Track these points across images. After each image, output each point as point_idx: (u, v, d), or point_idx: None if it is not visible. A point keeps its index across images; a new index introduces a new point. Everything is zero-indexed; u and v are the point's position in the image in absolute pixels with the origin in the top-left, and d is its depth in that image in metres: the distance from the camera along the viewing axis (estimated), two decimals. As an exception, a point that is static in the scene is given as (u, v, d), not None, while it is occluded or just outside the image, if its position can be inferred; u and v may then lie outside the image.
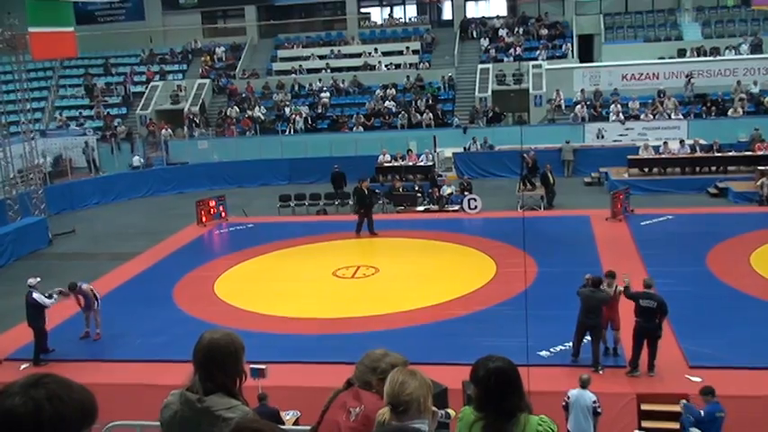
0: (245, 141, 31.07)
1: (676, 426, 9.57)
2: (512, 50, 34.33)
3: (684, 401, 9.44)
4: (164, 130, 32.08)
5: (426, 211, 22.71)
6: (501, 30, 36.19)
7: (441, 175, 25.60)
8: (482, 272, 16.27)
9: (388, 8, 40.30)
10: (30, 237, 21.14)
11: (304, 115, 32.33)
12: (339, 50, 37.33)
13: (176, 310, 14.99)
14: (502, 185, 25.20)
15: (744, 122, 27.38)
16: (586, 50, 35.21)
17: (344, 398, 3.30)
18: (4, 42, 22.41)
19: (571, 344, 11.50)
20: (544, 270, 15.67)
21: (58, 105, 37.14)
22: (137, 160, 30.34)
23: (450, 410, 7.40)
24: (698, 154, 24.96)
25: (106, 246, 21.20)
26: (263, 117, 33.15)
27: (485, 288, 15.30)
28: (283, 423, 9.35)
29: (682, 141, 25.69)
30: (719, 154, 24.67)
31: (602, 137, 28.62)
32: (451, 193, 23.14)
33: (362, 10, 40.03)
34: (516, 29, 35.91)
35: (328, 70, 35.96)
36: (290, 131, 31.79)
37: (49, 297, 12.86)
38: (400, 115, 31.66)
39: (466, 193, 22.83)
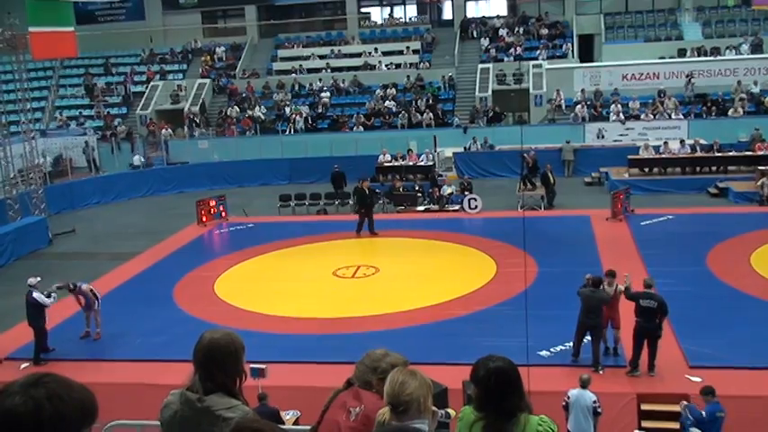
0: (246, 141, 31.07)
1: (676, 426, 9.56)
2: (512, 50, 34.33)
3: (685, 403, 9.42)
4: (164, 130, 32.08)
5: (426, 210, 22.71)
6: (501, 29, 36.19)
7: (441, 175, 25.59)
8: (482, 272, 16.26)
9: (389, 8, 40.30)
10: (30, 236, 21.14)
11: (304, 115, 32.34)
12: (339, 50, 37.33)
13: (176, 310, 14.98)
14: (502, 185, 25.20)
15: (744, 122, 27.38)
16: (587, 50, 35.20)
17: (344, 398, 3.30)
18: (4, 42, 22.42)
19: (571, 344, 11.50)
20: (544, 270, 15.67)
21: (58, 105, 37.16)
22: (137, 159, 30.34)
23: (450, 410, 7.40)
24: (698, 154, 24.95)
25: (106, 245, 21.20)
26: (263, 117, 33.16)
27: (485, 288, 15.29)
28: (283, 423, 9.35)
29: (682, 141, 25.69)
30: (720, 154, 24.67)
31: (603, 137, 28.62)
32: (452, 193, 23.14)
33: (363, 10, 40.04)
34: (516, 28, 35.91)
35: (328, 70, 35.96)
36: (290, 131, 31.79)
37: (48, 296, 12.86)
38: (400, 115, 31.66)
39: (466, 192, 22.84)
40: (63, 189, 26.96)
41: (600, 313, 11.22)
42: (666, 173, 25.11)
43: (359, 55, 36.66)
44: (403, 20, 39.87)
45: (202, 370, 3.10)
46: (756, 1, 27.91)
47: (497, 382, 3.09)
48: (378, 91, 33.61)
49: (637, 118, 29.08)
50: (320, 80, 35.04)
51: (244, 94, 35.07)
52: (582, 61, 33.67)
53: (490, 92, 32.12)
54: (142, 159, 30.44)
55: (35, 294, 12.71)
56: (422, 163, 26.41)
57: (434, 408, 2.99)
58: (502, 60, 33.91)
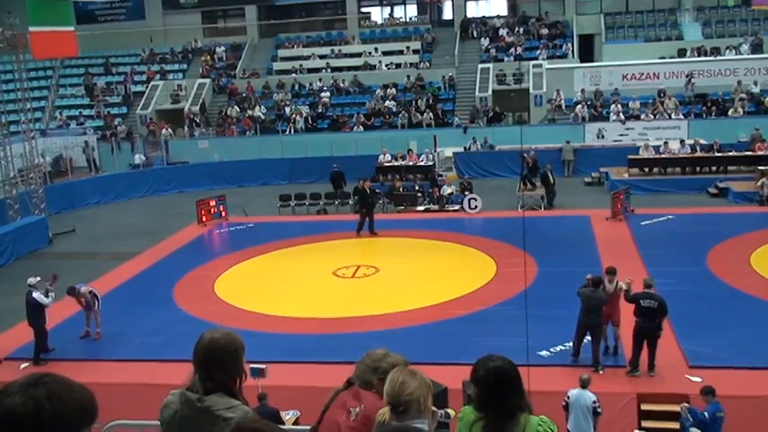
0: (246, 141, 31.08)
1: (676, 426, 9.56)
2: (512, 50, 34.32)
3: (686, 405, 9.41)
4: (164, 130, 32.08)
5: (426, 210, 22.71)
6: (501, 29, 36.19)
7: (441, 175, 25.58)
8: (482, 272, 16.26)
9: (389, 8, 40.30)
10: (30, 236, 21.14)
11: (304, 115, 32.34)
12: (339, 50, 37.33)
13: (176, 310, 14.99)
14: (502, 185, 25.20)
15: (744, 122, 27.38)
16: (587, 50, 35.20)
17: (345, 397, 3.30)
18: (4, 42, 22.42)
19: (571, 344, 11.50)
20: (544, 270, 15.67)
21: (58, 105, 37.15)
22: (138, 158, 30.34)
23: (449, 410, 7.40)
24: (698, 154, 24.95)
25: (106, 245, 21.20)
26: (263, 117, 33.15)
27: (485, 288, 15.29)
28: (283, 423, 9.35)
29: (682, 141, 25.69)
30: (720, 154, 24.67)
31: (603, 137, 28.61)
32: (452, 193, 23.14)
33: (363, 9, 40.04)
34: (517, 28, 35.91)
35: (328, 70, 35.96)
36: (290, 131, 31.79)
37: (46, 295, 12.85)
38: (400, 115, 31.66)
39: (466, 192, 22.84)
40: (63, 189, 26.96)
41: (600, 313, 11.22)
42: (666, 173, 25.11)
43: (359, 55, 36.66)
44: (403, 20, 39.87)
45: (202, 370, 3.10)
46: (756, 1, 27.91)
47: (497, 382, 3.09)
48: (378, 91, 33.61)
49: (637, 118, 29.08)
50: (320, 80, 35.04)
51: (244, 94, 35.07)
52: (582, 61, 33.66)
53: (490, 92, 32.12)
54: (143, 158, 30.42)
55: (35, 294, 12.71)
56: (422, 163, 26.40)
57: (434, 408, 2.99)
58: (502, 60, 33.91)
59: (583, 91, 30.69)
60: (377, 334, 12.73)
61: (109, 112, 35.55)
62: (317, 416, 3.39)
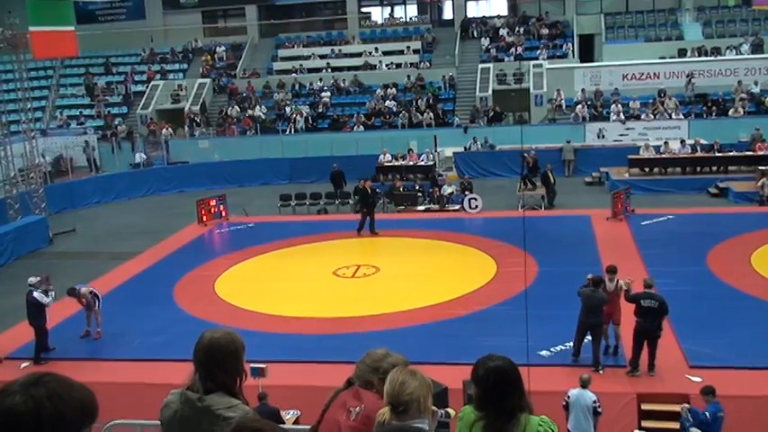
0: (246, 141, 31.08)
1: (676, 426, 9.56)
2: (512, 50, 34.32)
3: (687, 406, 9.40)
4: (164, 130, 32.09)
5: (427, 210, 22.71)
6: (502, 29, 36.19)
7: (441, 175, 25.58)
8: (482, 271, 16.26)
9: (389, 8, 40.31)
10: (30, 236, 21.14)
11: (305, 115, 32.34)
12: (340, 50, 37.33)
13: (177, 310, 14.99)
14: (502, 185, 25.20)
15: (744, 122, 27.38)
16: (587, 50, 35.20)
17: (345, 397, 3.30)
18: (4, 41, 22.42)
19: (571, 343, 11.50)
20: (545, 270, 15.67)
21: (58, 104, 37.16)
22: (139, 157, 30.34)
23: (450, 410, 7.40)
24: (698, 154, 24.95)
25: (107, 245, 21.21)
26: (263, 116, 33.16)
27: (485, 288, 15.29)
28: (283, 422, 9.35)
29: (682, 141, 25.68)
30: (720, 154, 24.66)
31: (603, 137, 28.61)
32: (452, 193, 23.13)
33: (363, 9, 40.04)
34: (517, 28, 35.91)
35: (329, 70, 35.96)
36: (290, 131, 31.79)
37: (46, 294, 12.84)
38: (401, 115, 31.66)
39: (466, 192, 22.84)
40: (63, 188, 26.97)
41: (600, 313, 11.22)
42: (667, 173, 25.10)
43: (359, 55, 36.66)
44: (403, 19, 39.88)
45: (203, 369, 3.10)
46: (757, 1, 27.89)
47: (497, 381, 3.09)
48: (378, 91, 33.61)
49: (637, 118, 29.08)
50: (320, 80, 35.04)
51: (244, 94, 35.07)
52: (582, 61, 33.66)
53: (490, 91, 32.12)
54: (143, 156, 30.43)
55: (35, 293, 12.71)
56: (422, 163, 26.40)
57: (434, 407, 2.99)
58: (502, 60, 33.91)
59: (583, 91, 30.69)
60: (377, 334, 12.73)
61: (109, 111, 35.56)
62: (317, 415, 3.39)
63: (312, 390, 9.87)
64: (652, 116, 28.96)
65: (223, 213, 22.60)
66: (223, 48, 38.84)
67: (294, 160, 28.68)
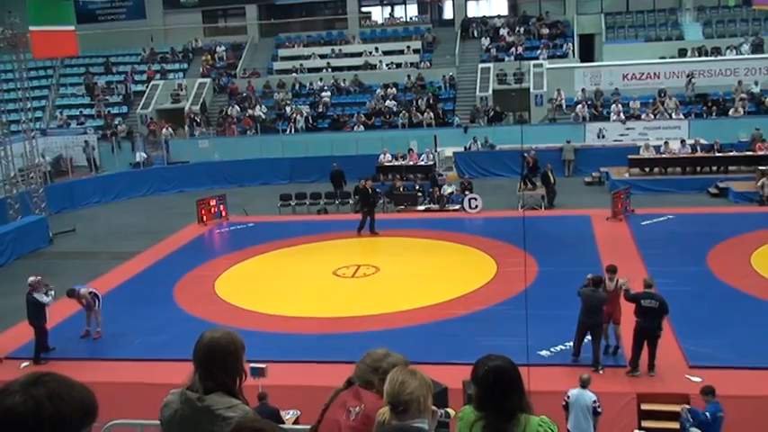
0: (246, 140, 31.07)
1: (676, 426, 9.56)
2: (513, 50, 34.32)
3: (687, 407, 9.40)
4: (164, 129, 32.09)
5: (427, 210, 22.71)
6: (502, 29, 36.19)
7: (441, 175, 25.58)
8: (482, 271, 16.26)
9: (389, 7, 40.31)
10: (30, 236, 21.13)
11: (305, 114, 32.34)
12: (340, 50, 37.32)
13: (177, 309, 14.98)
14: (502, 185, 25.20)
15: (744, 122, 27.38)
16: (587, 50, 35.19)
17: (345, 397, 3.30)
18: (4, 41, 22.42)
19: (571, 344, 11.50)
20: (545, 270, 15.67)
21: (58, 104, 37.16)
22: (139, 156, 30.34)
23: (449, 410, 7.40)
24: (699, 154, 24.95)
25: (107, 245, 21.21)
26: (263, 116, 33.16)
27: (485, 288, 15.29)
28: (283, 422, 9.35)
29: (682, 141, 25.68)
30: (720, 154, 24.66)
31: (603, 136, 28.61)
32: (452, 193, 23.13)
33: (363, 9, 40.05)
34: (517, 28, 35.90)
35: (329, 69, 35.96)
36: (290, 131, 31.79)
37: (46, 294, 12.84)
38: (401, 114, 31.66)
39: (466, 192, 22.83)
40: (63, 188, 26.97)
41: (600, 313, 11.22)
42: (667, 173, 25.10)
43: (359, 54, 36.66)
44: (403, 19, 39.88)
45: (203, 369, 3.10)
46: (757, 1, 27.86)
47: (497, 382, 3.09)
48: (378, 90, 33.61)
49: (637, 118, 29.08)
50: (321, 79, 35.04)
51: (244, 94, 35.07)
52: (582, 61, 33.66)
53: (491, 91, 32.12)
54: (143, 155, 30.42)
55: (35, 293, 12.71)
56: (422, 162, 26.39)
57: (434, 407, 2.99)
58: (502, 60, 33.91)
59: (583, 91, 30.69)
60: (377, 334, 12.73)
61: (109, 111, 35.55)
62: (317, 415, 3.39)
63: (312, 390, 9.87)
64: (652, 116, 28.96)
65: (223, 213, 22.60)
66: (223, 47, 38.84)
67: (294, 160, 28.68)
